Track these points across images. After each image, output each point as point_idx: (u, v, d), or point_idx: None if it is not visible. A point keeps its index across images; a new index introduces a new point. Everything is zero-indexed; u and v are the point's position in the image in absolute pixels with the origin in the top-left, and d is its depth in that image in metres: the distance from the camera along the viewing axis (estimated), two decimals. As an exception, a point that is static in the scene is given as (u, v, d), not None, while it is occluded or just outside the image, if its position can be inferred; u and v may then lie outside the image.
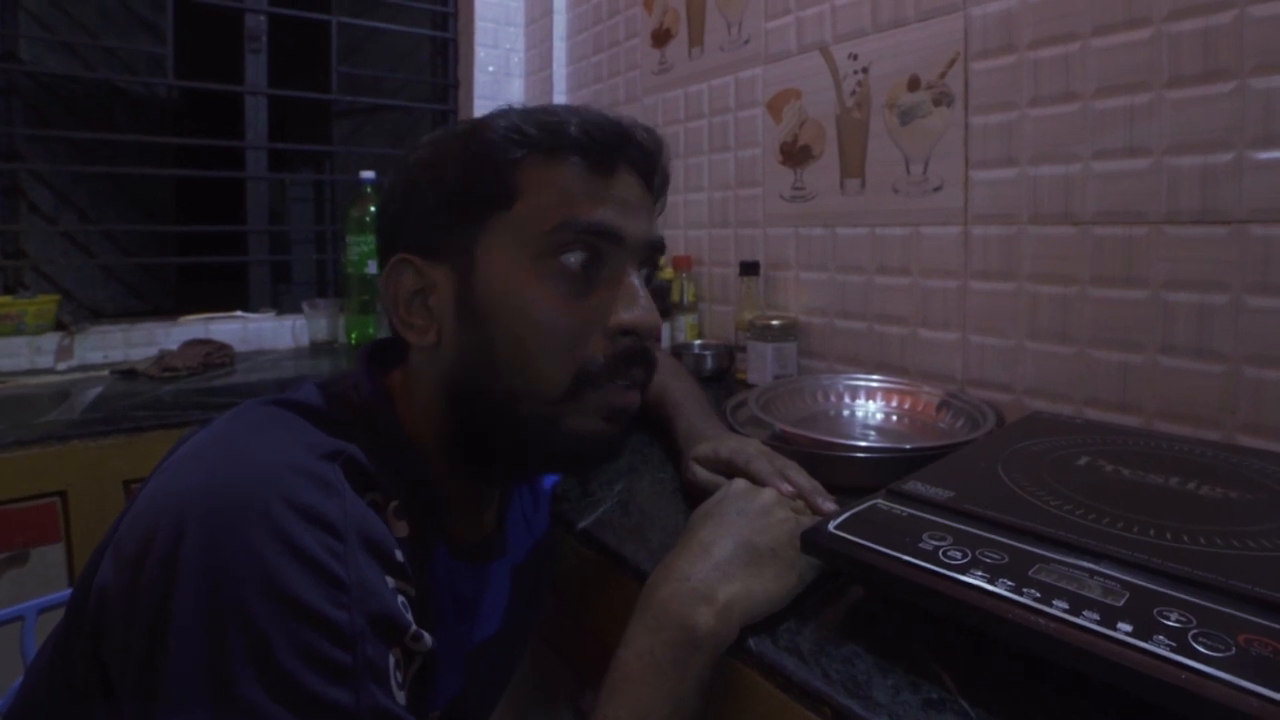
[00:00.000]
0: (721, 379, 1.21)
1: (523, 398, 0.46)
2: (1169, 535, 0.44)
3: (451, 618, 0.51)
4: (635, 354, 0.48)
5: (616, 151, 0.49)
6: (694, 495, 0.66)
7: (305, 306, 1.61)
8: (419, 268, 0.48)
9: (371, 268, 1.51)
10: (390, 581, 0.37)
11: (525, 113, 0.49)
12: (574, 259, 0.46)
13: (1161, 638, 0.34)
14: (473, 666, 0.55)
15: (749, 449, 0.63)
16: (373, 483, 0.41)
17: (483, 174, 0.47)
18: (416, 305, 0.49)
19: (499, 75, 1.94)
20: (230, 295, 1.73)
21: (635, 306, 0.48)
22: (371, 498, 0.40)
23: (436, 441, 0.50)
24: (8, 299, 1.39)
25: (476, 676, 0.56)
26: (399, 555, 0.38)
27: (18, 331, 1.35)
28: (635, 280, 0.49)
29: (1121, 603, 0.37)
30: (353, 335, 1.57)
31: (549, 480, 0.69)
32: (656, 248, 0.52)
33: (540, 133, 0.47)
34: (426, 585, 0.48)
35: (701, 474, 0.65)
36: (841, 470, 0.70)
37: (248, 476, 0.34)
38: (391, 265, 0.49)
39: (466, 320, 0.47)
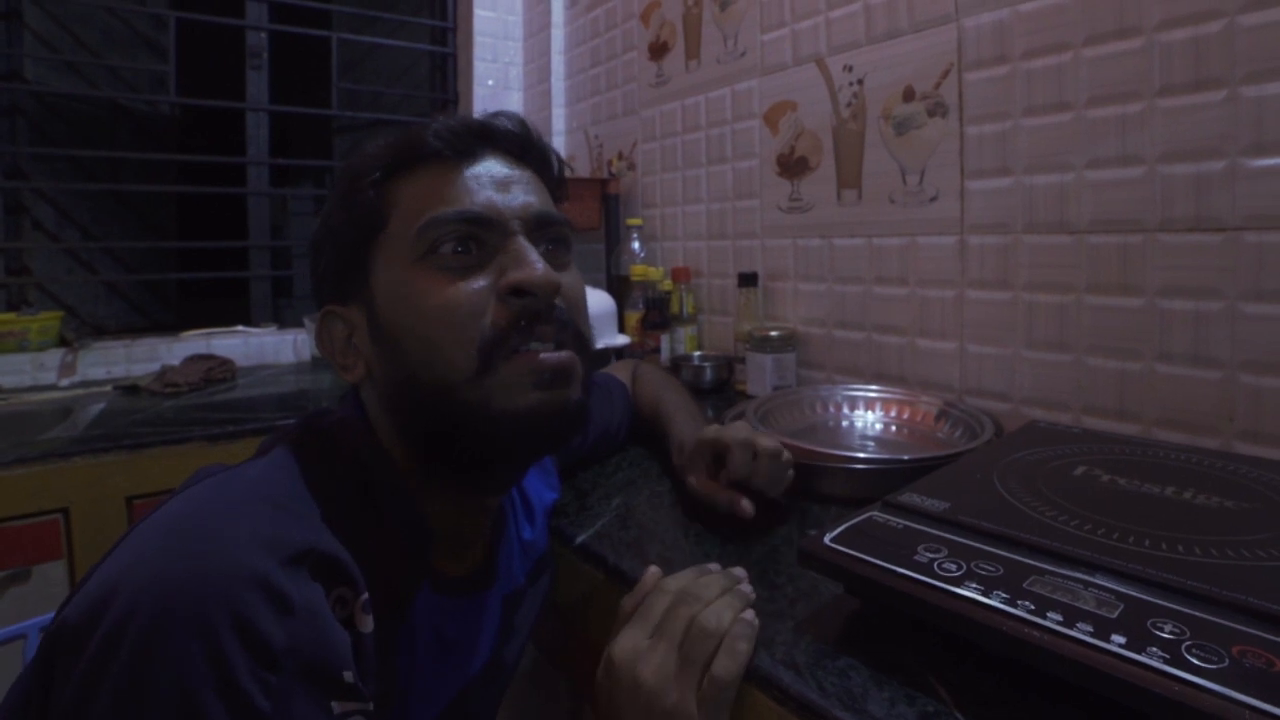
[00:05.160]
0: (721, 390, 1.22)
1: (444, 390, 0.46)
2: (1164, 546, 0.44)
3: (435, 655, 0.51)
4: (537, 313, 0.47)
5: (475, 144, 0.50)
6: (693, 507, 0.67)
7: (307, 321, 1.62)
8: (341, 314, 0.50)
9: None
10: (336, 708, 0.36)
11: (382, 138, 0.51)
12: (447, 248, 0.47)
13: (1155, 649, 0.34)
14: (459, 701, 0.55)
15: (729, 436, 0.66)
16: (344, 575, 0.40)
17: (355, 207, 0.49)
18: (348, 348, 0.51)
19: (498, 89, 1.96)
20: (231, 311, 1.74)
21: (523, 266, 0.47)
22: (339, 593, 0.39)
23: (413, 470, 0.50)
24: (11, 316, 1.40)
25: (463, 709, 0.56)
26: (349, 676, 0.37)
27: (21, 348, 1.36)
28: (522, 244, 0.48)
29: (1115, 614, 0.37)
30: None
31: (547, 496, 0.68)
32: (543, 219, 0.50)
33: (393, 150, 0.49)
34: (410, 626, 0.48)
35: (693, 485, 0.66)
36: (840, 482, 0.70)
37: (202, 581, 0.33)
38: (320, 320, 0.51)
39: (381, 342, 0.48)
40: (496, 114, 0.52)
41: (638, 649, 0.46)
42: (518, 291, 0.47)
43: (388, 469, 0.48)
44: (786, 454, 0.66)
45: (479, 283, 0.47)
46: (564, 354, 0.48)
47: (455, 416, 0.46)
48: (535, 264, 0.47)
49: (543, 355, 0.47)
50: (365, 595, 0.41)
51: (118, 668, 0.31)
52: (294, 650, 0.34)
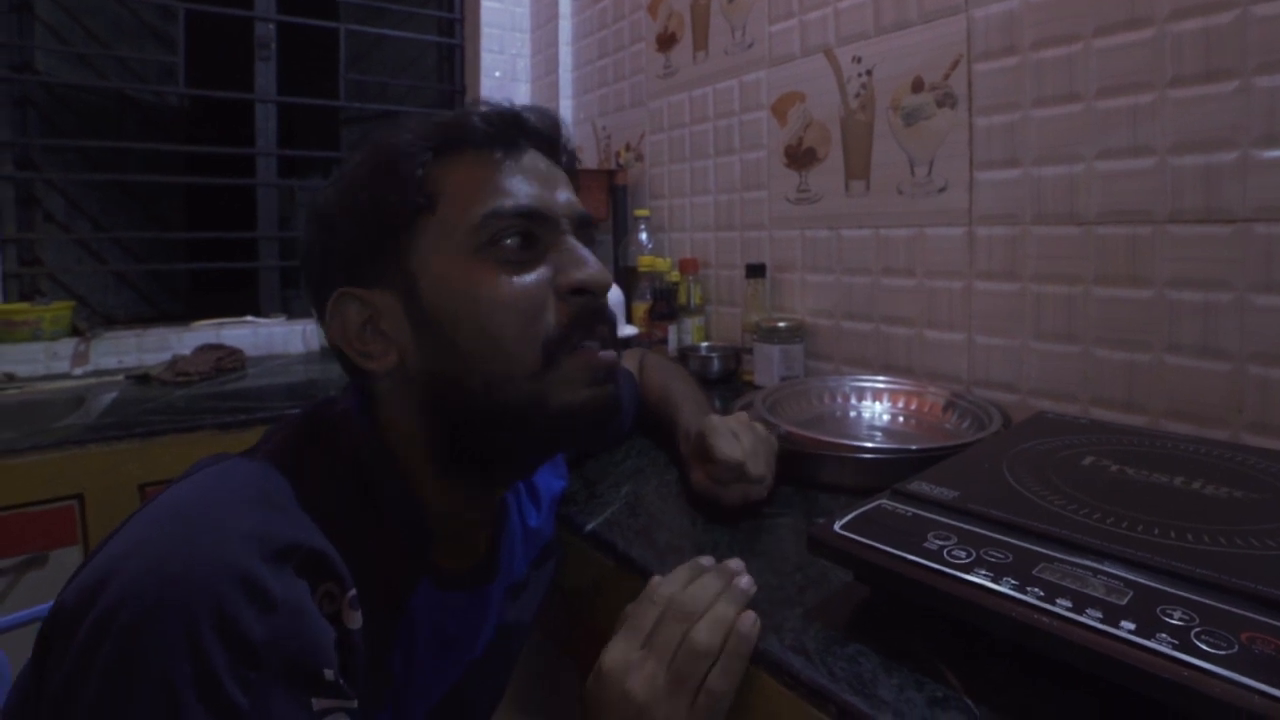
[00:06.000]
0: (728, 381, 1.22)
1: (501, 383, 0.46)
2: (1173, 534, 0.44)
3: (434, 650, 0.51)
4: (595, 311, 0.49)
5: (519, 135, 0.50)
6: (698, 501, 0.67)
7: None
8: (360, 297, 0.48)
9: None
10: (316, 705, 0.36)
11: (421, 119, 0.50)
12: (510, 242, 0.47)
13: (1164, 635, 0.34)
14: (460, 693, 0.55)
15: (721, 438, 0.66)
16: (331, 571, 0.40)
17: (397, 188, 0.47)
18: (369, 334, 0.48)
19: (505, 80, 1.95)
20: (240, 302, 1.75)
21: (583, 265, 0.49)
22: (326, 589, 0.40)
23: (428, 465, 0.49)
24: (25, 306, 1.41)
25: (465, 700, 0.56)
26: (329, 674, 0.37)
27: (34, 337, 1.37)
28: (575, 244, 0.50)
29: (1125, 601, 0.37)
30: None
31: (555, 485, 0.69)
32: (584, 219, 0.52)
33: (442, 133, 0.49)
34: (409, 622, 0.48)
35: (701, 485, 0.67)
36: (848, 471, 0.71)
37: (186, 577, 0.34)
38: (333, 303, 0.48)
39: (424, 330, 0.47)
40: (529, 108, 0.52)
41: (628, 660, 0.45)
42: (579, 290, 0.48)
43: (388, 468, 0.48)
44: (770, 444, 0.68)
45: (538, 279, 0.48)
46: (612, 352, 0.50)
47: (506, 408, 0.47)
48: (593, 264, 0.49)
49: (601, 353, 0.49)
50: (353, 591, 0.41)
51: (103, 657, 0.32)
52: (275, 646, 0.35)
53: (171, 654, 0.32)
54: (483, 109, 0.50)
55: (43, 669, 0.35)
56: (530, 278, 0.47)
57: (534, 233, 0.48)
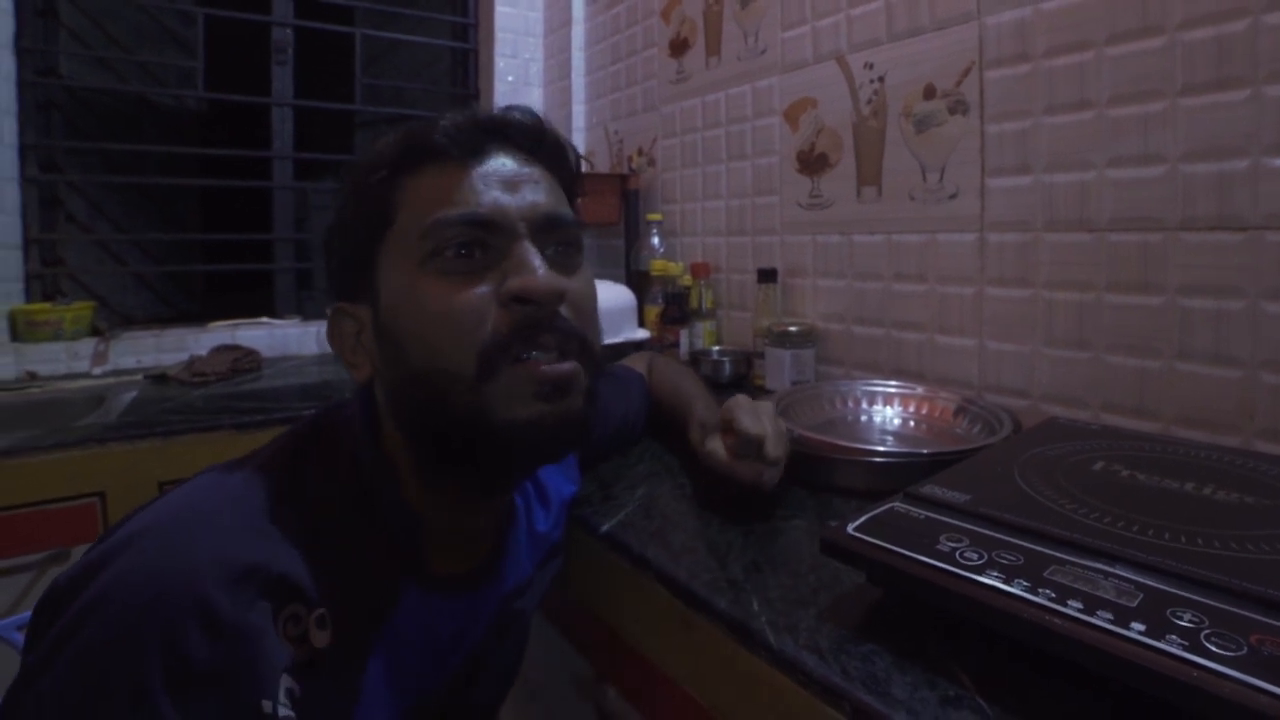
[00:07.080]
0: (739, 385, 1.23)
1: (444, 392, 0.46)
2: (1183, 538, 0.44)
3: (419, 652, 0.51)
4: (539, 322, 0.46)
5: (484, 141, 0.49)
6: (711, 473, 0.69)
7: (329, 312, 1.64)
8: (350, 312, 0.50)
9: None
10: None
11: (393, 134, 0.50)
12: (453, 251, 0.46)
13: (1174, 637, 0.35)
14: (459, 693, 0.55)
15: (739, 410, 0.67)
16: (296, 593, 0.41)
17: (362, 204, 0.49)
18: (357, 347, 0.51)
19: (518, 85, 1.97)
20: (255, 303, 1.77)
21: (525, 272, 0.46)
22: (291, 611, 0.40)
23: (414, 470, 0.50)
24: (47, 305, 1.43)
25: (466, 700, 0.57)
26: (268, 706, 0.38)
27: (55, 337, 1.39)
28: (526, 249, 0.47)
29: (1135, 603, 0.38)
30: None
31: (566, 490, 0.69)
32: (551, 220, 0.49)
33: (401, 147, 0.48)
34: (393, 627, 0.48)
35: (717, 454, 0.68)
36: (859, 474, 0.71)
37: (144, 593, 0.36)
38: (330, 318, 0.51)
39: (384, 342, 0.48)
40: (510, 108, 0.51)
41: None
42: (520, 299, 0.46)
43: (383, 472, 0.49)
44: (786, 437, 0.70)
45: (482, 289, 0.46)
46: (566, 365, 0.47)
47: (456, 421, 0.46)
48: (537, 271, 0.46)
49: (544, 366, 0.46)
50: (320, 611, 0.42)
51: (69, 649, 0.35)
52: (216, 669, 0.36)
53: (118, 660, 0.34)
54: (452, 117, 0.49)
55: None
56: (473, 287, 0.46)
57: (482, 240, 0.46)
